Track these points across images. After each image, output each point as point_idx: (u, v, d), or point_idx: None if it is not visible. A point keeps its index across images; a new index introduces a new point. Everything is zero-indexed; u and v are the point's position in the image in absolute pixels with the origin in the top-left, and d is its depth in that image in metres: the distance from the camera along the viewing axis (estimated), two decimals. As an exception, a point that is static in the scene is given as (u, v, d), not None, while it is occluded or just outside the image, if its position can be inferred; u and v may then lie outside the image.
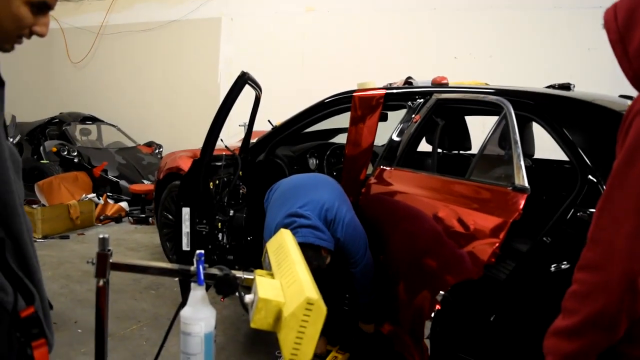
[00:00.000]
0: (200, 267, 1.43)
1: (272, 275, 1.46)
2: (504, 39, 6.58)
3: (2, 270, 1.13)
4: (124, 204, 6.85)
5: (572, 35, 6.29)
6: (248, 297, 1.36)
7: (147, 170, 7.61)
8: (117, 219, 6.62)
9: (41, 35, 1.21)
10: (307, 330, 1.24)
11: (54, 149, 7.41)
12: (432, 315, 2.33)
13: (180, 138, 8.08)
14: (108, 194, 6.98)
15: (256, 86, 3.28)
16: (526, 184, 2.14)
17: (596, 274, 1.04)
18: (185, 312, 1.46)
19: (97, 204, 6.60)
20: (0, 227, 1.14)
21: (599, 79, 4.88)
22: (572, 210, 2.20)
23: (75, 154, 7.37)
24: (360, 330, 2.97)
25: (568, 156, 2.35)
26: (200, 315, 1.45)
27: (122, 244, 5.54)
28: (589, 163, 2.22)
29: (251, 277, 1.45)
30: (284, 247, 1.60)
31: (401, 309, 2.68)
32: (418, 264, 2.55)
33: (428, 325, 2.36)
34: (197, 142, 5.94)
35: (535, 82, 3.24)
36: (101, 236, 1.43)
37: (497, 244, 2.10)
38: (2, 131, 1.12)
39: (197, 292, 1.46)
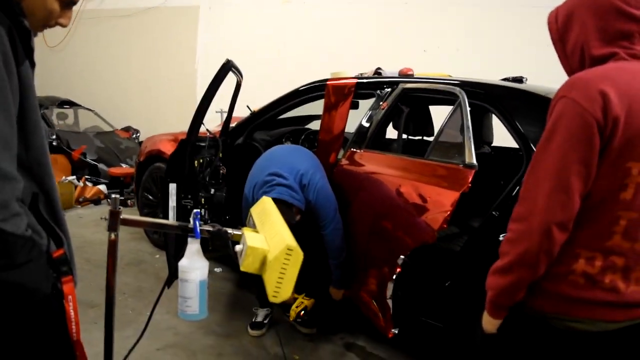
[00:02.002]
0: (197, 222, 1.70)
1: (257, 232, 1.74)
2: (470, 34, 6.86)
3: (36, 218, 1.37)
4: (102, 187, 6.99)
5: (533, 32, 6.57)
6: (237, 247, 1.63)
7: (125, 154, 7.74)
8: (95, 201, 6.76)
9: (64, 26, 1.46)
10: (287, 272, 1.52)
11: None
12: (394, 277, 2.63)
13: (158, 123, 8.20)
14: (87, 176, 7.11)
15: (238, 73, 3.52)
16: (474, 162, 2.44)
17: (522, 224, 1.31)
18: (183, 262, 1.73)
19: (76, 186, 6.74)
20: (34, 183, 1.39)
21: (558, 73, 5.20)
22: (517, 187, 2.52)
23: (54, 137, 7.46)
24: (329, 297, 3.28)
25: (516, 141, 2.66)
26: (196, 264, 1.72)
27: (101, 224, 5.67)
28: (533, 147, 2.53)
29: (239, 233, 1.72)
30: (266, 210, 1.88)
31: (366, 273, 2.98)
32: (382, 231, 2.84)
33: (390, 286, 2.66)
34: (174, 127, 6.14)
35: (499, 74, 3.50)
36: (113, 196, 1.67)
37: (448, 212, 2.40)
38: (37, 104, 1.36)
39: (193, 245, 1.73)
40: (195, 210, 1.71)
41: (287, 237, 1.55)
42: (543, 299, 1.37)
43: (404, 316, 2.84)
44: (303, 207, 2.96)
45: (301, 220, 2.96)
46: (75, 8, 1.46)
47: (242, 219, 3.19)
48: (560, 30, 1.45)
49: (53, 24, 1.44)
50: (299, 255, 1.50)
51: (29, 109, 1.30)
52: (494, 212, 2.55)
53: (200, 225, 1.71)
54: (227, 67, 3.17)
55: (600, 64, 1.36)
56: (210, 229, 1.72)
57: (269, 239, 1.62)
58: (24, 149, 1.31)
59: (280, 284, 1.52)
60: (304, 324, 3.38)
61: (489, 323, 1.46)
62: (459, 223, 3.22)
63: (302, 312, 3.17)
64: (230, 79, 3.48)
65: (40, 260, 1.31)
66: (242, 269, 1.56)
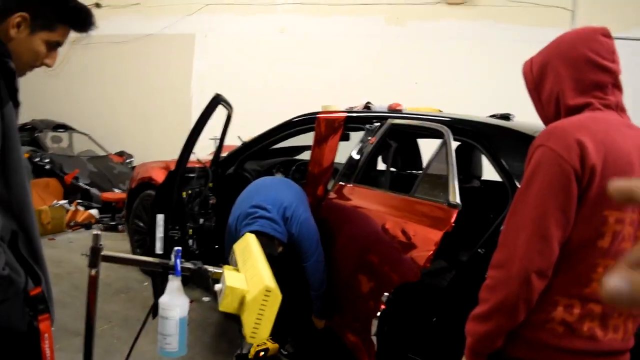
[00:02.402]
0: (178, 260, 1.71)
1: (237, 270, 1.74)
2: (460, 67, 6.98)
3: (15, 256, 1.38)
4: (94, 212, 6.98)
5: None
6: (217, 286, 1.64)
7: (118, 179, 7.75)
8: (87, 225, 6.75)
9: (49, 66, 1.50)
10: (265, 313, 1.53)
11: (26, 155, 7.46)
12: (378, 314, 2.63)
13: (152, 148, 8.24)
14: (79, 201, 7.10)
15: (228, 106, 3.56)
16: (458, 201, 2.46)
17: (501, 271, 1.31)
18: (163, 299, 1.73)
19: (67, 211, 6.73)
20: (14, 221, 1.40)
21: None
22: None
23: (47, 160, 7.47)
24: (312, 325, 3.27)
25: (501, 177, 2.69)
26: (176, 302, 1.73)
27: (92, 250, 5.69)
28: (517, 184, 2.55)
29: (220, 271, 1.73)
30: (248, 247, 1.89)
31: (351, 308, 2.98)
32: (367, 267, 2.85)
33: (375, 323, 2.66)
34: (168, 153, 6.17)
35: (490, 108, 3.55)
36: (95, 232, 1.69)
37: (431, 252, 2.41)
38: (19, 143, 1.38)
39: (174, 282, 1.73)
40: (176, 248, 1.72)
41: (266, 278, 1.55)
42: (522, 347, 1.36)
43: (390, 352, 2.83)
44: (285, 239, 2.98)
45: (284, 252, 2.97)
46: (71, 33, 1.50)
47: (225, 248, 3.20)
48: (536, 79, 1.48)
49: (39, 64, 1.47)
50: (277, 297, 1.51)
51: (11, 148, 1.32)
52: (479, 250, 2.57)
53: (181, 263, 1.72)
54: (216, 101, 3.22)
55: (575, 113, 1.39)
56: (192, 266, 1.73)
57: (249, 278, 1.63)
58: (4, 187, 1.33)
59: (259, 325, 1.53)
60: (290, 358, 3.37)
61: None
62: (447, 257, 3.23)
63: (262, 352, 3.15)
64: (220, 109, 3.52)
65: (16, 299, 1.32)
66: (220, 308, 1.57)
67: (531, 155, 1.34)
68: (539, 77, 1.47)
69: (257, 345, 3.13)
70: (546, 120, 1.49)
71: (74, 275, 4.68)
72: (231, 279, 1.61)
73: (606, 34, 1.41)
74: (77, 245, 5.86)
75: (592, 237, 1.29)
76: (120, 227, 6.53)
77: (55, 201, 6.77)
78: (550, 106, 1.45)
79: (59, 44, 1.47)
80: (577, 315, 1.31)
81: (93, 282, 1.67)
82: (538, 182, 1.29)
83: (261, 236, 2.62)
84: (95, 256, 1.65)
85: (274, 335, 3.20)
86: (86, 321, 1.70)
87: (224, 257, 3.20)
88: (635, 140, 1.34)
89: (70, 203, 6.94)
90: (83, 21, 1.47)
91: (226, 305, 1.57)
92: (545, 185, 1.28)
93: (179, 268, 1.70)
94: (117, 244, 6.05)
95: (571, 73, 1.39)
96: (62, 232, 6.42)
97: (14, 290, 1.30)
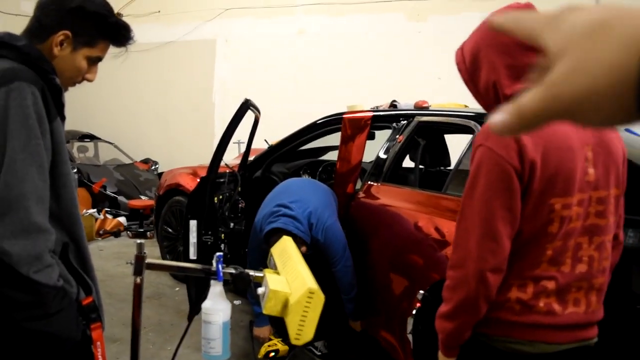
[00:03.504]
0: (220, 266, 1.73)
1: (278, 273, 1.76)
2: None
3: (66, 268, 1.42)
4: (122, 219, 7.07)
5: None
6: (260, 290, 1.66)
7: (144, 186, 7.83)
8: (115, 233, 6.84)
9: (90, 81, 1.54)
10: (309, 315, 1.54)
11: (55, 167, 7.61)
12: (414, 312, 2.63)
13: (176, 155, 8.32)
14: (107, 209, 7.19)
15: (256, 110, 3.59)
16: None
17: (458, 271, 1.35)
18: (206, 304, 1.75)
19: (96, 219, 6.83)
20: (65, 232, 1.44)
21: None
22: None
23: (75, 170, 7.58)
24: (350, 329, 3.29)
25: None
26: (219, 306, 1.75)
27: (122, 257, 5.75)
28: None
29: (260, 274, 1.75)
30: (286, 250, 1.90)
31: (385, 307, 2.99)
32: (400, 266, 2.86)
33: (410, 321, 2.66)
34: (192, 159, 6.23)
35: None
36: (138, 242, 1.71)
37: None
38: (67, 156, 1.42)
39: (217, 288, 1.76)
40: (217, 254, 1.74)
41: (308, 280, 1.57)
42: (485, 325, 1.39)
43: (425, 351, 2.83)
44: (308, 240, 3.00)
45: (307, 253, 2.97)
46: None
47: (248, 247, 3.23)
48: (470, 71, 1.44)
49: (80, 80, 1.51)
50: (320, 298, 1.52)
51: (60, 162, 1.36)
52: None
53: (222, 268, 1.74)
54: (246, 106, 3.25)
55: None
56: (233, 271, 1.76)
57: (290, 281, 1.65)
58: (55, 201, 1.37)
59: (303, 327, 1.54)
60: (324, 358, 3.38)
61: None
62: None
63: (272, 353, 3.15)
64: (249, 113, 3.55)
65: (71, 309, 1.36)
66: (264, 312, 1.58)
67: (473, 155, 1.36)
68: (472, 68, 1.43)
69: (268, 346, 3.14)
70: (487, 108, 1.47)
71: (107, 283, 4.76)
72: (273, 282, 1.63)
73: (530, 5, 1.38)
74: (107, 253, 5.95)
75: (542, 226, 1.32)
76: (149, 233, 6.61)
77: (85, 210, 6.87)
78: (489, 95, 1.42)
79: (99, 59, 1.51)
80: (530, 293, 1.35)
81: (138, 290, 1.71)
82: (481, 183, 1.31)
83: (283, 233, 2.65)
84: (140, 264, 1.68)
85: (284, 336, 3.22)
86: (132, 329, 1.73)
87: (248, 258, 3.23)
88: None
89: (99, 212, 7.03)
90: (123, 36, 1.51)
91: (270, 308, 1.58)
92: (488, 186, 1.30)
93: (220, 273, 1.72)
94: (147, 250, 6.06)
95: (504, 60, 1.35)
96: (92, 241, 6.50)
97: (67, 301, 1.34)
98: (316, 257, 3.03)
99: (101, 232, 6.76)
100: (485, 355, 1.42)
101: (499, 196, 1.29)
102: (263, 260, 2.75)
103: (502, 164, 1.28)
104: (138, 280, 1.70)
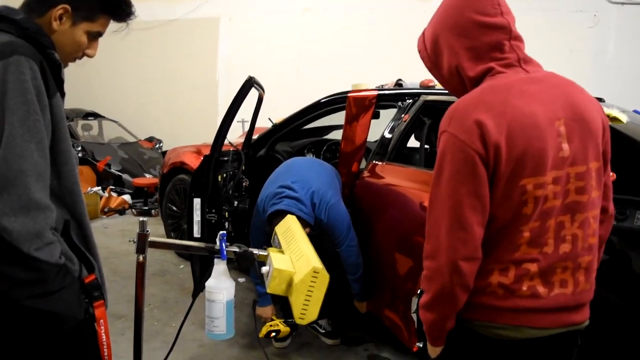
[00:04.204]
0: (223, 244, 1.72)
1: (282, 252, 1.76)
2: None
3: (68, 245, 1.41)
4: (126, 197, 7.08)
5: (555, 36, 6.57)
6: (264, 269, 1.65)
7: (148, 165, 7.85)
8: (120, 211, 6.85)
9: (91, 56, 1.51)
10: (314, 294, 1.54)
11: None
12: (418, 292, 2.62)
13: (180, 133, 8.29)
14: (111, 187, 7.21)
15: (260, 88, 3.56)
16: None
17: (432, 261, 1.31)
18: (210, 282, 1.75)
19: (101, 197, 6.84)
20: (66, 210, 1.43)
21: (580, 79, 5.16)
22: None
23: (80, 148, 7.59)
24: (355, 310, 3.29)
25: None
26: (222, 285, 1.75)
27: (127, 235, 5.77)
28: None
29: (265, 253, 1.74)
30: (290, 229, 1.89)
31: (389, 287, 2.98)
32: (404, 245, 2.84)
33: (415, 301, 2.65)
34: (196, 137, 6.20)
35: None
36: (141, 219, 1.71)
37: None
38: (68, 133, 1.40)
39: (220, 266, 1.75)
40: (221, 232, 1.73)
41: (312, 259, 1.56)
42: (469, 310, 1.36)
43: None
44: (312, 221, 2.98)
45: (311, 234, 2.94)
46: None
47: (251, 227, 3.22)
48: (432, 57, 1.44)
49: (80, 55, 1.48)
50: (325, 278, 1.52)
51: (60, 139, 1.34)
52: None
53: (226, 247, 1.73)
54: (249, 83, 3.21)
55: (478, 82, 1.35)
56: (237, 249, 1.75)
57: (294, 260, 1.64)
58: (56, 178, 1.35)
59: (307, 306, 1.54)
60: (328, 335, 3.40)
61: (432, 351, 1.49)
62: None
63: (273, 333, 3.14)
64: (253, 92, 3.51)
65: (73, 287, 1.35)
66: (268, 290, 1.58)
67: (438, 142, 1.33)
68: (434, 55, 1.43)
69: (270, 326, 3.14)
70: (455, 92, 1.45)
71: (111, 260, 4.79)
72: (278, 261, 1.62)
73: None
74: (112, 230, 5.97)
75: (515, 209, 1.28)
76: (153, 211, 6.62)
77: (89, 188, 6.88)
78: (453, 80, 1.41)
79: (99, 34, 1.48)
80: (512, 277, 1.32)
81: (141, 268, 1.70)
82: (447, 171, 1.28)
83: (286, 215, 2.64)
84: (143, 242, 1.67)
85: (286, 317, 3.22)
86: (135, 307, 1.73)
87: (250, 237, 3.21)
88: (542, 95, 1.30)
89: (103, 190, 7.05)
90: (123, 11, 1.48)
91: (274, 287, 1.58)
92: (453, 173, 1.27)
93: (224, 252, 1.72)
94: (151, 229, 6.09)
95: (463, 43, 1.35)
96: (97, 219, 6.53)
97: (70, 279, 1.33)
98: (321, 237, 3.02)
99: (106, 209, 6.78)
100: (471, 341, 1.39)
101: (464, 183, 1.25)
102: (266, 240, 2.74)
103: (465, 150, 1.24)
104: (141, 258, 1.70)
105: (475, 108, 1.26)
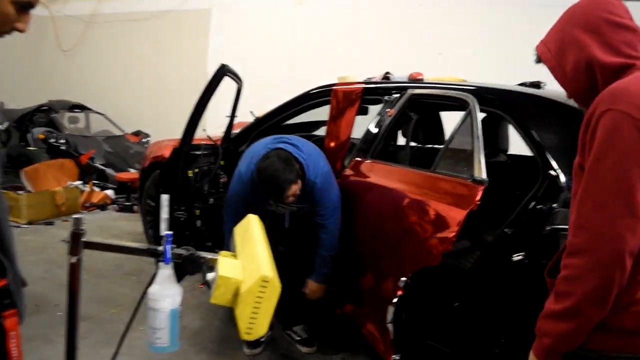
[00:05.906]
0: (168, 247, 1.52)
1: (235, 256, 1.55)
2: (487, 36, 6.66)
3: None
4: (109, 192, 6.90)
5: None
6: (210, 275, 1.46)
7: (134, 159, 7.64)
8: (102, 206, 6.67)
9: (21, 31, 1.29)
10: (262, 306, 1.33)
11: (42, 136, 7.44)
12: (394, 300, 2.43)
13: (168, 127, 8.05)
14: (94, 181, 7.03)
15: (237, 78, 3.35)
16: (484, 177, 2.23)
17: (586, 257, 1.14)
18: (152, 289, 1.55)
19: (82, 191, 6.65)
20: None
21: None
22: (533, 203, 2.31)
23: (63, 141, 7.40)
24: (332, 314, 3.09)
25: (532, 150, 2.46)
26: (167, 292, 1.54)
27: (106, 231, 5.59)
28: (548, 157, 2.33)
29: (215, 257, 1.54)
30: (249, 229, 1.69)
31: (366, 294, 2.80)
32: (382, 250, 2.66)
33: (391, 310, 2.46)
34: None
35: (517, 79, 3.32)
36: (75, 216, 1.51)
37: (454, 233, 2.19)
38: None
39: (165, 271, 1.55)
40: (167, 233, 1.53)
41: (263, 266, 1.36)
42: (603, 336, 1.19)
43: (409, 339, 2.64)
44: (306, 166, 2.76)
45: (299, 194, 2.74)
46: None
47: (224, 214, 2.99)
48: (556, 56, 1.34)
49: (9, 30, 1.27)
50: (275, 288, 1.31)
51: None
52: (506, 230, 2.35)
53: (172, 249, 1.53)
54: (221, 72, 3.00)
55: (616, 73, 1.24)
56: (183, 252, 1.55)
57: (245, 265, 1.44)
58: None
59: (255, 319, 1.34)
60: (303, 343, 3.21)
61: None
62: (472, 237, 3.01)
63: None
64: (232, 84, 3.32)
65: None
66: (211, 300, 1.38)
67: (596, 124, 1.17)
68: (559, 53, 1.33)
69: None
70: (575, 93, 1.35)
71: (85, 258, 4.57)
72: (225, 267, 1.42)
73: None
74: (90, 226, 5.59)
75: None
76: (135, 207, 6.42)
77: (69, 182, 6.69)
78: (580, 77, 1.29)
79: (29, 4, 1.27)
80: None
81: (75, 272, 1.50)
82: (616, 151, 1.13)
83: (283, 151, 2.59)
84: (76, 242, 1.47)
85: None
86: (68, 318, 1.53)
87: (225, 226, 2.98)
88: None
89: (85, 184, 6.86)
90: None
91: (218, 297, 1.38)
92: (625, 154, 1.13)
93: (169, 255, 1.51)
94: (132, 225, 5.95)
95: (595, 38, 1.27)
96: (77, 214, 6.32)
97: None
98: (300, 228, 2.81)
99: (87, 204, 6.59)
100: None
101: (638, 164, 1.11)
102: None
103: None
104: (74, 260, 1.49)
105: None
